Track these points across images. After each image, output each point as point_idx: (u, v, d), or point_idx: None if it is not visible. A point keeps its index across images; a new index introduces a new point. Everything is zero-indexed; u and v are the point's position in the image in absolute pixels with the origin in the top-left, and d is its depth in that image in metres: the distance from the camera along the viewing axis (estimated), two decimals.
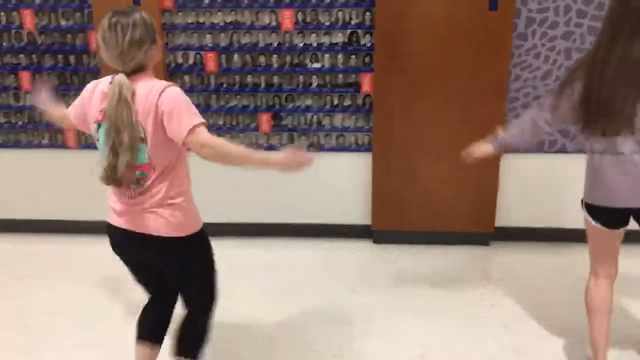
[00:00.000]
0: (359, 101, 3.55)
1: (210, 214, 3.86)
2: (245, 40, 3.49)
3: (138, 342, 2.31)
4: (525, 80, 3.41)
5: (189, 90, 3.58)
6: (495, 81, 3.35)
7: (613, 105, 2.14)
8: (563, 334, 2.86)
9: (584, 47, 3.30)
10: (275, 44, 3.48)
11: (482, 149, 2.63)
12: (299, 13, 3.40)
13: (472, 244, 3.71)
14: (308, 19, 3.41)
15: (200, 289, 2.25)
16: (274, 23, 3.44)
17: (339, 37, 3.44)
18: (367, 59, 3.46)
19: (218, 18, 3.46)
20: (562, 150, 3.52)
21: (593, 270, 2.50)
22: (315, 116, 3.60)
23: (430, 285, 3.30)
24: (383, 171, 3.59)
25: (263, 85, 3.56)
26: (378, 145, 3.54)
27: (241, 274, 3.43)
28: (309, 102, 3.58)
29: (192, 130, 1.88)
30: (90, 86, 2.05)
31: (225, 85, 3.58)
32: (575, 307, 3.07)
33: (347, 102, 3.56)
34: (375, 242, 3.77)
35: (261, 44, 3.49)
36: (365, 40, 3.43)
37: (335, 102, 3.56)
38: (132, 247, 2.13)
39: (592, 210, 2.38)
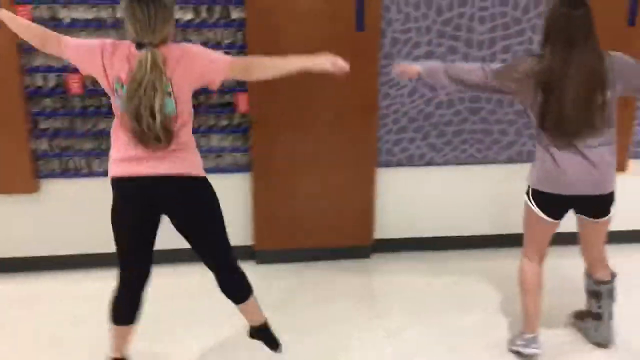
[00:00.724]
0: (236, 121, 3.52)
1: (81, 244, 3.62)
2: None
3: (115, 325, 2.50)
4: (394, 97, 3.56)
5: (51, 115, 3.37)
6: (366, 99, 3.48)
7: (570, 125, 2.46)
8: (444, 340, 3.00)
9: None
10: None
11: (412, 68, 2.82)
12: None
13: (354, 258, 3.80)
14: (178, 39, 3.33)
15: (222, 236, 2.50)
16: None
17: None
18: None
19: (81, 38, 3.27)
20: (431, 163, 3.72)
21: (528, 254, 2.77)
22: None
23: (314, 302, 3.33)
24: (263, 190, 3.58)
25: None
26: (257, 164, 3.53)
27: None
28: None
29: (232, 61, 2.28)
30: (109, 46, 2.24)
31: (92, 108, 3.39)
32: (454, 311, 3.24)
33: (223, 122, 3.51)
34: (258, 262, 3.73)
35: None
36: None
37: (212, 122, 3.50)
38: (150, 194, 2.31)
39: (539, 199, 2.62)
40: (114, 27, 3.27)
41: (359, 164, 3.60)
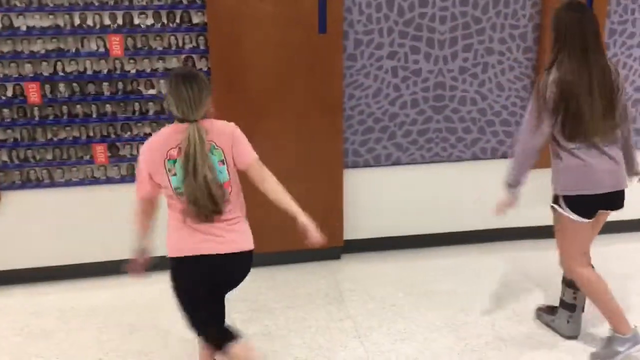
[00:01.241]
0: None
1: (45, 257, 3.54)
2: (71, 68, 3.27)
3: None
4: (359, 98, 3.58)
5: (10, 125, 3.28)
6: (331, 101, 3.48)
7: (599, 126, 2.51)
8: (413, 338, 3.02)
9: (408, 65, 3.55)
10: (105, 71, 3.30)
11: (508, 203, 2.82)
12: (129, 38, 3.27)
13: (324, 259, 3.80)
14: (139, 45, 3.29)
15: None
16: (102, 49, 3.26)
17: (174, 63, 3.35)
18: None
19: (38, 46, 3.20)
20: (397, 163, 3.74)
21: (580, 263, 2.72)
22: None
23: (285, 305, 3.32)
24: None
25: (95, 114, 3.36)
26: None
27: (96, 316, 3.19)
28: (147, 130, 3.44)
29: (256, 160, 2.41)
30: (147, 154, 2.26)
31: (52, 117, 3.32)
32: (424, 310, 3.26)
33: None
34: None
35: (89, 72, 3.29)
36: (202, 65, 3.38)
37: None
38: (214, 271, 2.36)
39: (574, 204, 2.60)
40: (72, 34, 3.21)
41: (325, 165, 3.61)
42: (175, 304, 2.40)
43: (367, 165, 3.72)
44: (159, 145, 2.25)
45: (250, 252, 2.49)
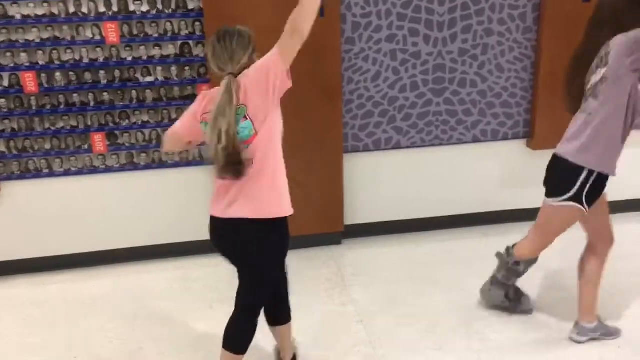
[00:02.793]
0: None
1: (47, 247, 3.55)
2: (67, 56, 3.24)
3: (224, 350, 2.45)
4: (358, 82, 3.55)
5: (7, 115, 3.26)
6: (330, 85, 3.45)
7: None
8: (416, 322, 3.02)
9: (407, 48, 3.52)
10: (102, 59, 3.27)
11: None
12: (125, 25, 3.23)
13: (325, 245, 3.80)
14: (135, 32, 3.26)
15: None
16: (97, 37, 3.23)
17: (170, 49, 3.32)
18: (202, 70, 3.38)
19: (33, 35, 3.17)
20: (397, 147, 3.73)
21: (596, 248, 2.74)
22: (154, 132, 3.45)
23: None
24: None
25: (92, 103, 3.34)
26: None
27: (91, 305, 3.20)
28: (145, 117, 3.42)
29: (278, 45, 2.27)
30: (201, 100, 2.27)
31: (49, 107, 3.30)
32: (427, 293, 3.27)
33: None
34: None
35: (85, 60, 3.26)
36: (198, 51, 3.35)
37: (174, 116, 3.44)
38: (220, 235, 2.32)
39: (602, 185, 2.55)
40: (67, 22, 3.18)
41: (325, 150, 3.59)
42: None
43: (367, 149, 3.70)
44: (204, 103, 2.27)
45: (253, 221, 2.25)
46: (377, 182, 3.80)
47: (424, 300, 3.19)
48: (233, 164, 2.14)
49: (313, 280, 3.43)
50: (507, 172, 3.86)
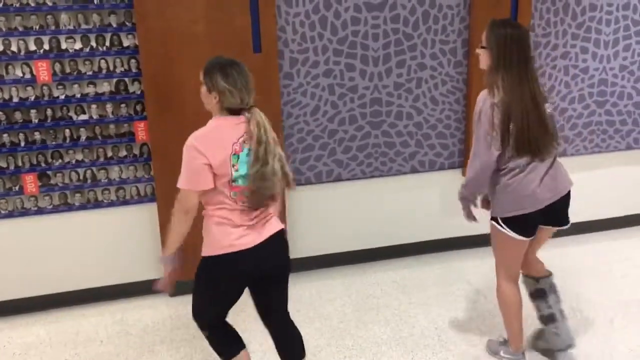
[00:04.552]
0: (136, 151, 3.40)
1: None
2: None
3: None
4: (297, 116, 3.58)
5: None
6: (269, 119, 3.44)
7: (538, 143, 2.51)
8: (361, 354, 3.01)
9: (344, 82, 3.59)
10: (33, 98, 3.18)
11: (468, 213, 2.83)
12: (56, 64, 3.16)
13: None
14: (67, 70, 3.19)
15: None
16: (28, 76, 3.14)
17: (105, 87, 3.27)
18: (138, 107, 3.34)
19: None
20: (338, 179, 3.76)
21: (507, 277, 2.75)
22: (88, 171, 3.35)
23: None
24: (168, 220, 3.46)
25: (23, 143, 3.22)
26: (161, 194, 3.41)
27: (27, 354, 3.02)
28: (79, 156, 3.32)
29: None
30: (201, 147, 2.22)
31: None
32: (372, 324, 3.26)
33: (122, 153, 3.38)
34: (171, 295, 3.60)
35: (15, 99, 3.16)
36: (134, 88, 3.31)
37: (110, 153, 3.36)
38: (264, 257, 2.35)
39: (513, 222, 2.61)
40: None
41: None
42: (204, 299, 2.49)
43: (308, 182, 3.72)
44: (221, 142, 2.24)
45: (281, 233, 2.46)
46: (319, 214, 3.81)
47: (369, 332, 3.19)
48: (271, 197, 2.31)
49: (254, 317, 3.37)
50: (446, 200, 3.96)
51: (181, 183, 2.27)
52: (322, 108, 3.61)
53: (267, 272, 2.42)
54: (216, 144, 2.24)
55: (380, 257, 3.98)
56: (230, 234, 2.30)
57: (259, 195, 2.25)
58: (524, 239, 2.65)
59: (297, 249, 3.81)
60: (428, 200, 3.97)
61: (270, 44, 3.36)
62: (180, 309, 3.47)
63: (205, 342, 3.10)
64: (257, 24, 3.30)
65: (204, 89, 2.32)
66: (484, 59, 2.57)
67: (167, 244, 2.40)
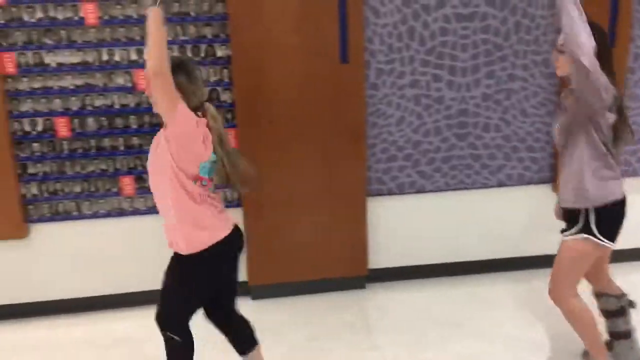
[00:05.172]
0: None
1: (72, 289, 3.58)
2: (99, 102, 3.35)
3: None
4: (382, 127, 3.59)
5: (40, 159, 3.36)
6: (353, 130, 3.50)
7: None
8: None
9: (430, 93, 3.56)
10: (132, 105, 3.37)
11: None
12: None
13: (349, 289, 3.77)
14: None
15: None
16: (128, 84, 3.34)
17: None
18: (229, 115, 3.46)
19: (67, 82, 3.29)
20: (421, 190, 3.73)
21: (574, 293, 2.67)
22: None
23: (311, 336, 3.29)
24: (255, 225, 3.56)
25: (122, 147, 3.42)
26: (248, 199, 3.52)
27: (115, 348, 3.20)
28: None
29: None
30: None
31: (80, 151, 3.39)
32: (452, 341, 3.21)
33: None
34: (253, 298, 3.70)
35: (117, 106, 3.37)
36: (226, 97, 3.43)
37: None
38: (238, 244, 2.51)
39: (608, 222, 2.54)
40: (100, 70, 3.30)
41: (349, 194, 3.61)
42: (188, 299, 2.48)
43: (391, 193, 3.71)
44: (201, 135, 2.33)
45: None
46: (401, 225, 3.78)
47: (449, 347, 3.13)
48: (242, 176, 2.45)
49: (336, 325, 3.40)
50: (533, 216, 3.82)
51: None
52: (407, 119, 3.60)
53: (237, 256, 2.55)
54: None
55: (462, 272, 3.90)
56: (216, 223, 2.42)
57: (235, 174, 2.43)
58: (613, 245, 2.57)
59: (377, 260, 3.80)
60: (514, 215, 3.85)
61: (357, 55, 3.39)
62: (262, 312, 3.55)
63: (290, 346, 3.18)
64: (345, 35, 3.34)
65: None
66: (565, 65, 2.48)
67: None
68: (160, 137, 2.35)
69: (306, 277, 3.70)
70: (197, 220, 2.35)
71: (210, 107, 2.40)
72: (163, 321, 2.46)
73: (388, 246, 3.81)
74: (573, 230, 2.59)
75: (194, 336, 2.52)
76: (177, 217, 2.35)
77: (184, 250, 2.38)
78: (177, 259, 2.44)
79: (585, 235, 2.56)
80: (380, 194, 3.70)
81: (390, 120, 3.59)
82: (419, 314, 3.48)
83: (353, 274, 3.76)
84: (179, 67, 2.27)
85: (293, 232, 3.62)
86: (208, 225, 2.38)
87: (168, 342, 2.47)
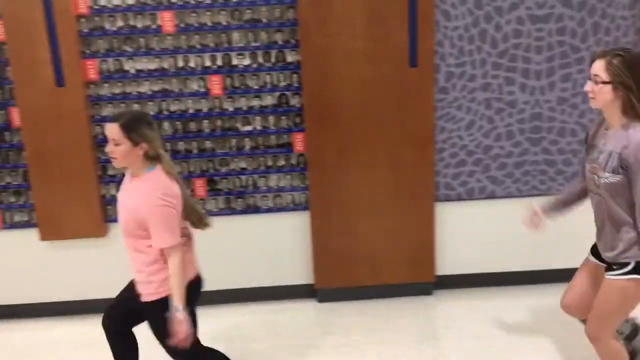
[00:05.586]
0: (293, 160, 3.58)
1: None
2: (175, 107, 3.47)
3: None
4: (451, 131, 3.53)
5: None
6: (421, 133, 3.46)
7: None
8: None
9: (502, 96, 3.48)
10: (206, 110, 3.48)
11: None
12: (227, 78, 3.43)
13: (416, 295, 3.73)
14: (237, 84, 3.45)
15: None
16: (202, 89, 3.45)
17: (269, 100, 3.48)
18: (297, 119, 3.51)
19: (145, 87, 3.44)
20: (492, 196, 3.64)
21: (613, 334, 2.58)
22: (250, 178, 3.59)
23: (377, 341, 3.28)
24: (322, 228, 3.59)
25: (195, 150, 3.54)
26: (315, 203, 3.55)
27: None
28: (243, 164, 3.57)
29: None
30: (177, 196, 2.45)
31: None
32: (522, 352, 3.11)
33: (281, 162, 3.58)
34: (319, 301, 3.72)
35: (191, 111, 3.48)
36: (295, 101, 3.49)
37: (270, 163, 3.57)
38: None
39: None
40: (176, 75, 3.42)
41: (416, 198, 3.57)
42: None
43: (460, 198, 3.64)
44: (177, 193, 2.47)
45: None
46: (470, 232, 3.71)
47: (519, 359, 3.04)
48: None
49: (402, 331, 3.37)
50: None
51: (173, 241, 2.41)
52: (477, 123, 3.53)
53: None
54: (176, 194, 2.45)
55: (534, 281, 3.77)
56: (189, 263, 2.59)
57: (199, 216, 2.61)
58: None
59: (444, 266, 3.74)
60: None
61: (426, 58, 3.36)
62: (329, 315, 3.57)
63: (356, 350, 3.19)
64: (415, 39, 3.32)
65: (124, 146, 2.37)
66: (604, 96, 2.32)
67: (181, 294, 2.43)
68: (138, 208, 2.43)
69: (372, 281, 3.69)
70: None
71: (165, 156, 2.50)
72: None
73: (456, 253, 3.74)
74: (623, 270, 2.43)
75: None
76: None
77: None
78: None
79: (637, 276, 2.41)
80: (448, 199, 3.64)
81: (460, 125, 3.53)
82: (488, 324, 3.40)
83: (419, 279, 3.72)
84: (141, 120, 2.43)
85: (359, 236, 3.63)
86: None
87: None
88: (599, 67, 2.31)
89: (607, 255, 2.49)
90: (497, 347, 3.16)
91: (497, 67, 3.45)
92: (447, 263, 3.74)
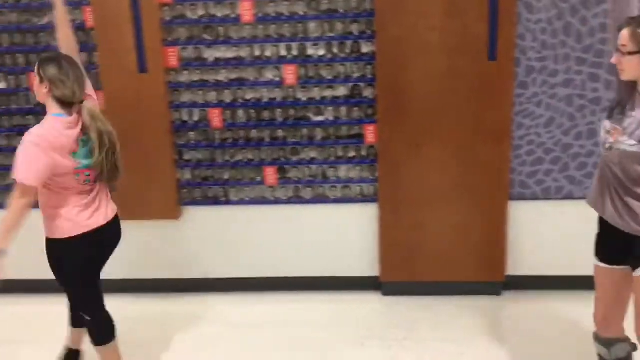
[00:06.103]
0: (363, 152, 3.57)
1: (217, 269, 3.84)
2: (250, 96, 3.54)
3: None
4: (529, 128, 3.41)
5: (194, 146, 3.63)
6: (497, 129, 3.37)
7: None
8: None
9: (585, 93, 3.32)
10: (279, 99, 3.53)
11: None
12: (302, 68, 3.46)
13: (483, 294, 3.64)
14: (310, 74, 3.47)
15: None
16: (277, 79, 3.50)
17: (342, 91, 3.48)
18: (369, 111, 3.49)
19: (222, 75, 3.52)
20: (569, 197, 3.49)
21: None
22: (320, 168, 3.61)
23: (441, 338, 3.23)
24: (390, 221, 3.57)
25: (268, 139, 3.60)
26: (384, 195, 3.53)
27: (249, 330, 3.38)
28: (313, 154, 3.60)
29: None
30: (44, 143, 2.34)
31: (230, 141, 3.62)
32: (588, 356, 2.98)
33: (351, 154, 3.58)
34: (384, 294, 3.71)
35: (265, 99, 3.54)
36: (368, 93, 3.47)
37: (340, 153, 3.58)
38: (112, 233, 2.68)
39: None
40: (252, 65, 3.48)
41: (489, 195, 3.48)
42: (70, 281, 2.62)
43: (535, 197, 3.52)
44: (59, 143, 2.38)
45: (117, 216, 2.73)
46: (544, 232, 3.58)
47: None
48: (115, 172, 2.59)
49: (469, 330, 3.31)
50: None
51: (27, 178, 2.32)
52: (557, 120, 3.39)
53: (110, 249, 2.69)
54: (55, 146, 2.36)
55: None
56: (81, 214, 2.51)
57: (109, 173, 2.56)
58: None
59: (516, 266, 3.63)
60: None
61: (506, 52, 3.26)
62: (393, 309, 3.55)
63: (420, 345, 3.16)
64: (495, 31, 3.22)
65: (36, 80, 2.42)
66: (634, 66, 2.17)
67: (7, 235, 2.35)
68: None
69: (439, 277, 3.63)
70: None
71: (86, 105, 2.45)
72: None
73: (529, 253, 3.62)
74: None
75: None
76: None
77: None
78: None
79: None
80: (522, 198, 3.53)
81: (539, 121, 3.40)
82: (559, 330, 3.27)
83: (489, 279, 3.63)
84: (51, 60, 2.42)
85: (428, 230, 3.58)
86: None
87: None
88: (625, 37, 2.16)
89: (619, 223, 2.42)
90: (568, 354, 3.04)
91: (581, 62, 3.30)
92: (518, 264, 3.63)
